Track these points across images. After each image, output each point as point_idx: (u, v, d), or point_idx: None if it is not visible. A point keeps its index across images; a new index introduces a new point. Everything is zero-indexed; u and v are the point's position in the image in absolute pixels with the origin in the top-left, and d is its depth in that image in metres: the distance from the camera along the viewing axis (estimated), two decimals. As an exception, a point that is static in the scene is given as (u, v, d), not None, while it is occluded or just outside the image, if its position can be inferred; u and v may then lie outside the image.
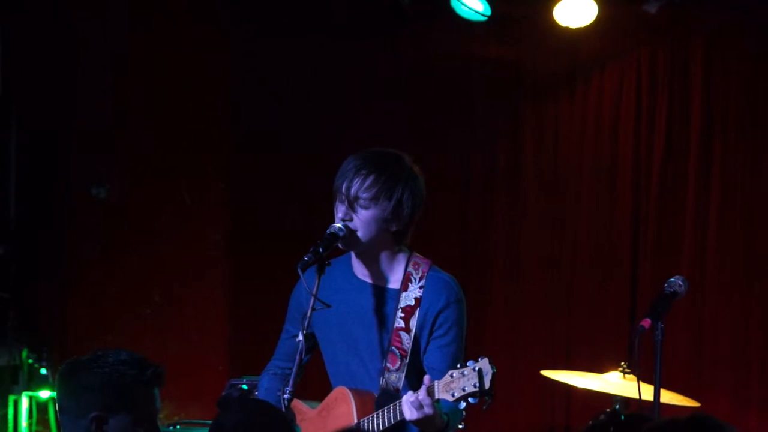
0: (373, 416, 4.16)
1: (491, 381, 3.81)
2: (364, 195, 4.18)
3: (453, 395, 3.87)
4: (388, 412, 4.08)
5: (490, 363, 3.83)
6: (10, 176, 7.29)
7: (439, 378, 4.00)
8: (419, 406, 3.94)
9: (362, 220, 4.20)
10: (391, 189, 4.19)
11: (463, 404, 3.89)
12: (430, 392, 3.93)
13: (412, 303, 4.26)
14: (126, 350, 3.63)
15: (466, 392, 3.84)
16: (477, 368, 3.82)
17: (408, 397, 3.98)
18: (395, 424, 4.08)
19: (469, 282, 7.17)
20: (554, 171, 7.86)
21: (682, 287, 4.67)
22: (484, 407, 3.90)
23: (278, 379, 4.50)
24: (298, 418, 4.40)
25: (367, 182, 4.18)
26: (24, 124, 7.38)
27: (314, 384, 4.79)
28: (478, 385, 3.82)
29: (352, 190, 4.18)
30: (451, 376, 3.88)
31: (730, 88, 7.61)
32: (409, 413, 3.97)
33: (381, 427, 4.11)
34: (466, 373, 3.84)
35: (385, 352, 4.27)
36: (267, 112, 7.90)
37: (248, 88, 7.89)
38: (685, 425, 2.86)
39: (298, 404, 4.41)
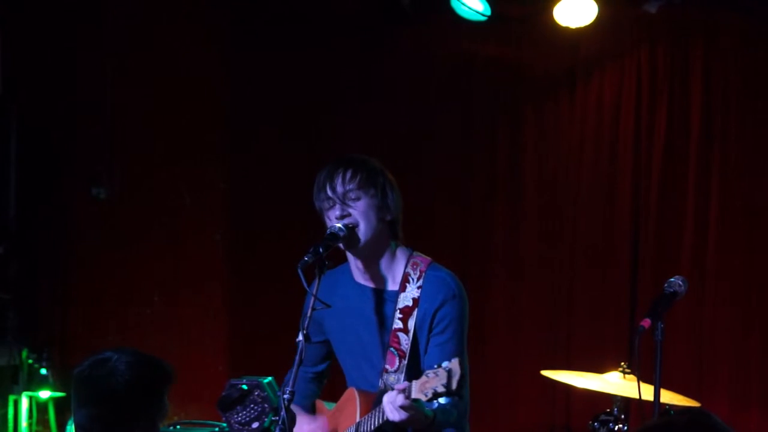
0: (366, 417, 4.19)
1: (458, 382, 3.79)
2: (351, 186, 4.25)
3: (426, 395, 3.87)
4: (377, 412, 4.11)
5: (460, 364, 3.82)
6: (10, 176, 7.28)
7: None
8: (398, 408, 3.96)
9: (360, 212, 4.25)
10: (372, 178, 4.28)
11: (435, 404, 3.90)
12: (406, 393, 3.94)
13: (410, 304, 4.29)
14: (132, 350, 3.64)
15: (437, 392, 3.84)
16: (447, 368, 3.82)
17: (387, 398, 4.00)
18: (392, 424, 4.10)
19: (469, 282, 7.14)
20: (554, 171, 7.87)
21: (682, 287, 4.68)
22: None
23: (305, 381, 4.58)
24: (318, 417, 4.51)
25: (348, 176, 4.26)
26: (24, 124, 7.37)
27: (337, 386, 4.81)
28: (446, 385, 3.82)
29: (339, 189, 4.25)
30: (427, 375, 3.88)
31: (730, 87, 7.61)
32: (390, 414, 3.99)
33: (372, 427, 4.14)
34: (439, 373, 3.84)
35: (384, 354, 4.30)
36: (267, 111, 7.90)
37: (248, 88, 7.89)
38: (684, 428, 2.82)
39: (320, 405, 4.54)
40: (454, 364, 3.81)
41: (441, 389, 3.82)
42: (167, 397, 3.69)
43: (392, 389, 4.16)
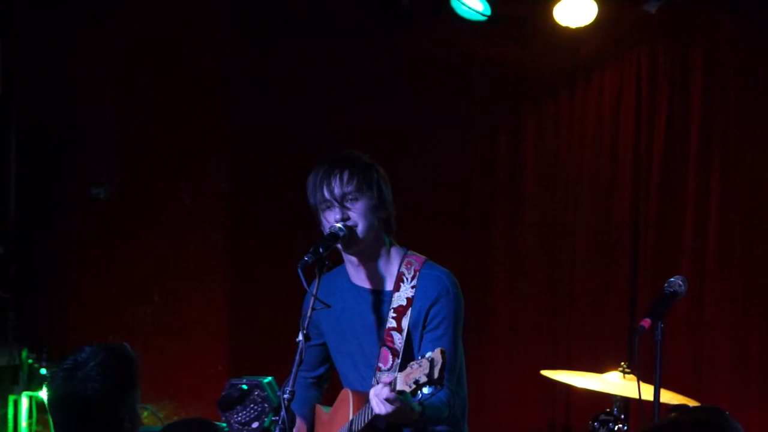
0: (358, 414, 4.20)
1: (440, 371, 3.79)
2: (349, 188, 4.27)
3: (410, 386, 3.88)
4: (367, 408, 4.11)
5: (441, 353, 3.82)
6: (10, 176, 7.28)
7: None
8: (384, 401, 3.95)
9: (359, 213, 4.27)
10: (368, 177, 4.30)
11: (419, 395, 3.89)
12: (392, 386, 3.94)
13: (404, 303, 4.30)
14: (93, 349, 3.60)
15: (420, 382, 3.84)
16: (430, 357, 3.83)
17: (373, 392, 4.00)
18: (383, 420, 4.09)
19: (469, 282, 7.16)
20: (554, 171, 7.86)
21: (682, 287, 4.68)
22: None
23: (305, 387, 4.57)
24: (317, 421, 4.52)
25: (345, 177, 4.27)
26: (24, 124, 7.37)
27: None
28: (428, 374, 3.81)
29: (336, 191, 4.26)
30: (411, 367, 3.89)
31: (730, 87, 7.61)
32: (377, 408, 3.98)
33: (363, 424, 4.14)
34: (422, 363, 3.85)
35: (378, 353, 4.30)
36: (267, 111, 7.89)
37: (248, 88, 7.88)
38: (689, 428, 2.80)
39: (319, 409, 4.54)
40: (436, 353, 3.82)
41: (423, 379, 3.82)
42: (139, 381, 3.65)
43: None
